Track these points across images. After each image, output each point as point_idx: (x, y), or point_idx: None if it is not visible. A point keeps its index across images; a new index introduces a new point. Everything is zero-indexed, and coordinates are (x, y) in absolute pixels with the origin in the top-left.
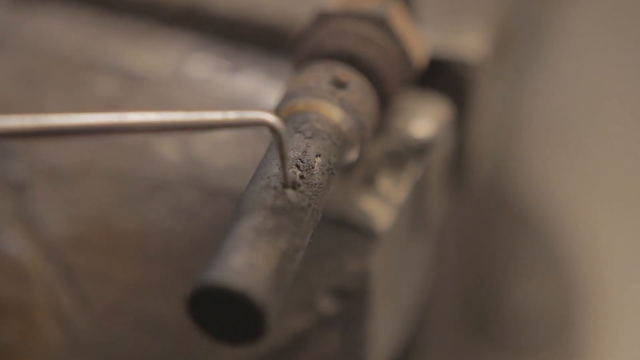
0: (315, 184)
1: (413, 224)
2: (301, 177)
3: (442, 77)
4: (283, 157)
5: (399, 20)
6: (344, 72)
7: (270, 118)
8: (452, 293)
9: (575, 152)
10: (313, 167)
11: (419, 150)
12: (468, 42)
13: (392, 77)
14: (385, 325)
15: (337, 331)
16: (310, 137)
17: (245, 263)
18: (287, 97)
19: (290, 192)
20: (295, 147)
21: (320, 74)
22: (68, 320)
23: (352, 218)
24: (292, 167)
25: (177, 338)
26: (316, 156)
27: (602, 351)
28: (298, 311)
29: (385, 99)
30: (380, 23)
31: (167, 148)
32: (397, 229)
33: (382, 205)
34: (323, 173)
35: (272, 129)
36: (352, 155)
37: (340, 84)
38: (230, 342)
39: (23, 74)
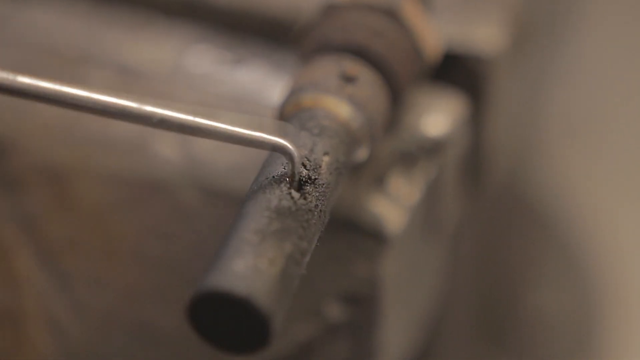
0: (323, 184)
1: (426, 226)
2: (308, 176)
3: (456, 71)
4: (292, 180)
5: (411, 12)
6: (352, 66)
7: (289, 145)
8: (467, 299)
9: (597, 151)
10: (320, 167)
11: (433, 148)
12: (484, 35)
13: (403, 72)
14: (396, 334)
15: (346, 339)
16: (317, 135)
17: (249, 267)
18: (293, 92)
19: (296, 193)
20: (302, 145)
21: (328, 68)
22: (61, 328)
23: (361, 220)
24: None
25: (177, 347)
26: (324, 155)
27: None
28: (304, 318)
29: (396, 95)
30: (391, 14)
31: (167, 147)
32: (409, 232)
33: (393, 207)
34: (331, 173)
35: (286, 154)
36: (362, 153)
37: (348, 79)
38: (233, 351)
39: (14, 69)
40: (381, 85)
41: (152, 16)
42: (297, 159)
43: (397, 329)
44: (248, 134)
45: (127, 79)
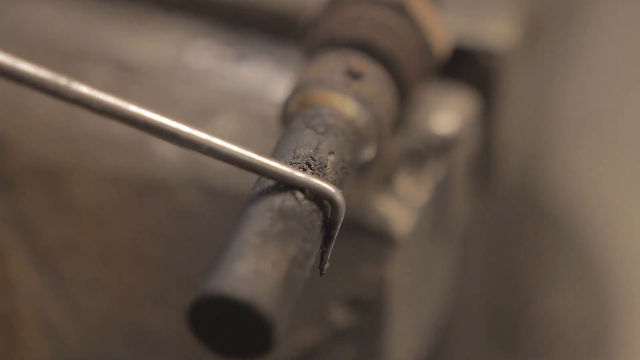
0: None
1: (435, 228)
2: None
3: (466, 67)
4: (332, 237)
5: (419, 5)
6: (358, 62)
7: (336, 194)
8: (477, 303)
9: (611, 150)
10: (325, 166)
11: (442, 147)
12: (495, 29)
13: (411, 67)
14: (404, 338)
15: (352, 345)
16: (322, 133)
17: (251, 270)
18: (297, 89)
19: (300, 193)
20: (306, 143)
21: (333, 64)
22: (57, 332)
23: (368, 222)
24: (302, 166)
25: (176, 353)
26: (329, 154)
27: None
28: (309, 323)
29: (404, 91)
30: (399, 8)
31: (166, 146)
32: (417, 233)
33: (401, 207)
34: (336, 172)
35: (334, 203)
36: (368, 152)
37: (354, 75)
38: (234, 356)
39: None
40: (388, 81)
41: (151, 10)
42: (340, 209)
43: (404, 334)
44: (296, 176)
45: (125, 76)
